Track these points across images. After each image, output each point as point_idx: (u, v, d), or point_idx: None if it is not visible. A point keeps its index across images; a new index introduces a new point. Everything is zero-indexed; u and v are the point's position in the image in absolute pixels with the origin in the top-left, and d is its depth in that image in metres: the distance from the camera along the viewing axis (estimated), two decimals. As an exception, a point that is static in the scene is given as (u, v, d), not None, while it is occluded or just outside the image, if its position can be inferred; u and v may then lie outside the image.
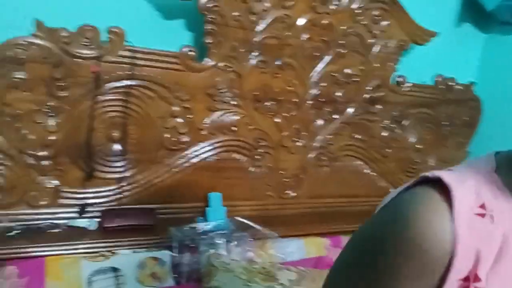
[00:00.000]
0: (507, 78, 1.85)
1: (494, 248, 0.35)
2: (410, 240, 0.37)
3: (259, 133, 1.48)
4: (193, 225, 1.33)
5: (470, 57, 1.94)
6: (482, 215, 0.36)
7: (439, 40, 1.66)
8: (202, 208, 1.42)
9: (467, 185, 0.38)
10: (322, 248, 1.55)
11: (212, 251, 1.21)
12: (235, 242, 1.32)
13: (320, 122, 1.57)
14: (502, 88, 1.85)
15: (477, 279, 0.34)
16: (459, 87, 1.81)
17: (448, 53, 1.83)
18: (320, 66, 1.50)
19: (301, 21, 1.41)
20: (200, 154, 1.41)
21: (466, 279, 0.35)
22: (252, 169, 1.50)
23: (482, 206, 0.37)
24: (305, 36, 1.43)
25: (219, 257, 1.16)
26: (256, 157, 1.49)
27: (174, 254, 1.27)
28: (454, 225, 0.36)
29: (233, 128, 1.43)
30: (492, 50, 1.92)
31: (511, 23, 1.80)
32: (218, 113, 1.40)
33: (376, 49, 1.57)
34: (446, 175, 0.39)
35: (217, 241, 1.29)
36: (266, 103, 1.45)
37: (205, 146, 1.41)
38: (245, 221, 1.38)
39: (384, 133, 1.72)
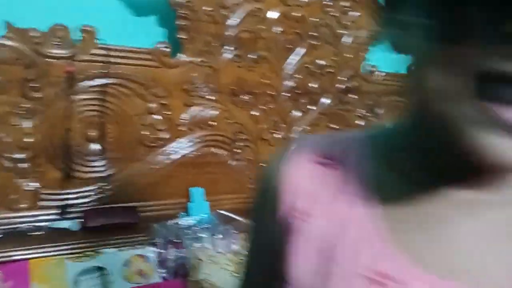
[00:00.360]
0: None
1: (327, 191, 0.39)
2: (260, 180, 0.47)
3: (238, 127, 1.49)
4: (177, 220, 1.33)
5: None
6: (323, 164, 0.41)
7: (407, 29, 1.71)
8: (185, 203, 1.42)
9: (316, 141, 0.45)
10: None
11: (197, 245, 1.22)
12: (220, 235, 1.33)
13: (297, 113, 1.60)
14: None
15: (302, 212, 0.39)
16: (429, 74, 1.87)
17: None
18: (294, 58, 1.53)
19: (273, 14, 1.44)
20: (180, 150, 1.42)
21: (291, 209, 0.40)
22: (232, 162, 1.51)
23: (326, 158, 0.41)
24: (278, 29, 1.46)
25: (205, 250, 1.17)
26: (235, 150, 1.51)
27: (159, 251, 1.27)
28: (284, 167, 0.42)
29: (211, 123, 1.44)
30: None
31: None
32: (196, 108, 1.41)
33: (347, 40, 1.61)
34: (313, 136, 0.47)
35: (201, 235, 1.30)
36: (243, 97, 1.47)
37: (184, 142, 1.42)
38: (229, 214, 1.39)
39: (360, 122, 1.76)
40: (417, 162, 0.36)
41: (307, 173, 0.41)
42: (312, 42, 1.54)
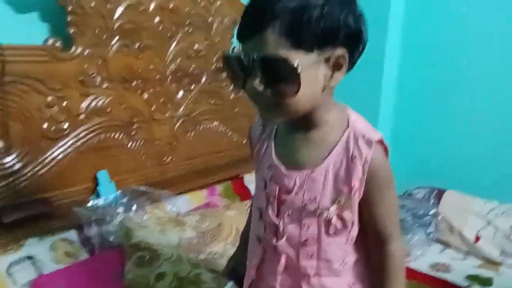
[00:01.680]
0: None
1: (257, 142, 0.82)
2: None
3: (132, 111, 1.64)
4: (92, 202, 1.45)
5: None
6: (262, 125, 0.82)
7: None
8: (93, 187, 1.54)
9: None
10: (202, 198, 1.83)
11: (119, 218, 1.37)
12: (135, 207, 1.49)
13: (181, 93, 1.81)
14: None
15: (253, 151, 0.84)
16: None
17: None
18: (173, 45, 1.72)
19: (151, 6, 1.61)
20: (81, 138, 1.50)
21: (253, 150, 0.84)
22: (130, 144, 1.66)
23: (261, 124, 0.82)
24: (157, 19, 1.63)
25: (130, 219, 1.33)
26: (132, 133, 1.66)
27: (81, 231, 1.38)
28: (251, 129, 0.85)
29: (108, 110, 1.56)
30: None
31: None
32: (92, 98, 1.51)
33: (215, 26, 1.87)
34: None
35: (118, 210, 1.45)
36: (133, 83, 1.62)
37: (84, 130, 1.51)
38: (139, 188, 1.55)
39: (232, 96, 2.05)
40: (289, 123, 0.75)
41: (256, 130, 0.82)
42: (187, 29, 1.75)
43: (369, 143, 0.69)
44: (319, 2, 0.61)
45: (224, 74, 1.96)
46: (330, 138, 0.72)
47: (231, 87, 2.01)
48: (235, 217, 1.43)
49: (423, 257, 1.64)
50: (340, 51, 0.64)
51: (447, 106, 2.19)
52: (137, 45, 1.59)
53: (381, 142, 0.71)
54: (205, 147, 1.98)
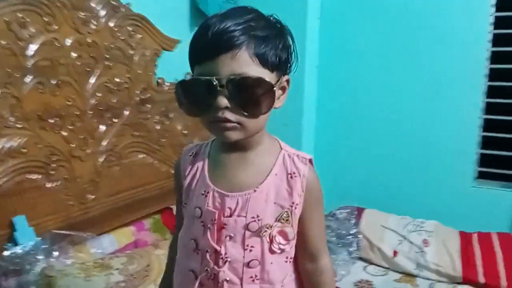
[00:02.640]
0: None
1: (189, 171, 0.83)
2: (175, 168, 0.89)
3: (50, 150, 1.56)
4: (9, 251, 1.35)
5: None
6: (191, 155, 0.84)
7: (184, 44, 2.06)
8: (10, 234, 1.43)
9: (191, 147, 0.86)
10: (130, 235, 1.78)
11: (42, 265, 1.30)
12: (57, 253, 1.42)
13: (103, 128, 1.76)
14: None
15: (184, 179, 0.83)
16: (204, 79, 2.29)
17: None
18: (93, 79, 1.68)
19: (68, 42, 1.56)
20: (-6, 182, 1.41)
21: (184, 178, 0.83)
22: (49, 184, 1.58)
23: (192, 153, 0.84)
24: (74, 55, 1.59)
25: (52, 267, 1.26)
26: (51, 172, 1.58)
27: (-3, 283, 1.29)
28: (179, 159, 0.86)
29: (23, 150, 1.48)
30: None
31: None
32: (4, 139, 1.42)
33: (136, 58, 1.86)
34: (186, 147, 0.88)
35: (38, 257, 1.36)
36: (50, 120, 1.55)
37: (-2, 174, 1.42)
38: (60, 231, 1.47)
39: (157, 127, 2.04)
40: (226, 147, 0.78)
41: (186, 161, 0.83)
42: (107, 63, 1.72)
43: (304, 161, 0.78)
44: (278, 35, 0.73)
45: (149, 106, 1.95)
46: (266, 159, 0.78)
47: (158, 118, 2.00)
48: (164, 256, 1.41)
49: (348, 275, 1.73)
50: (287, 76, 0.76)
51: (363, 129, 2.36)
52: (54, 81, 1.54)
53: (311, 161, 0.79)
54: (132, 181, 1.93)
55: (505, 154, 2.12)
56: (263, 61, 0.69)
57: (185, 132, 2.21)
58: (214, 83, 0.68)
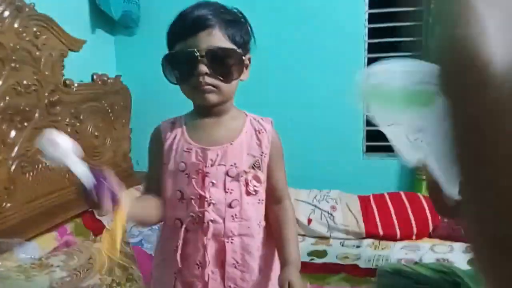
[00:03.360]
0: (137, 67, 2.48)
1: (169, 135, 0.96)
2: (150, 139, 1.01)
3: (-42, 158, 1.47)
4: None
5: (109, 55, 2.44)
6: (171, 122, 0.98)
7: (87, 45, 2.05)
8: None
9: (170, 118, 1.00)
10: (53, 241, 1.73)
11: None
12: (-17, 262, 1.35)
13: (14, 133, 1.69)
14: (138, 75, 2.47)
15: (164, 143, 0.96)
16: (111, 80, 2.29)
17: (96, 54, 2.25)
18: (0, 82, 1.61)
19: (-29, 43, 1.48)
20: None
21: (164, 142, 0.96)
22: (-39, 195, 1.48)
23: (171, 122, 0.98)
24: (-21, 57, 1.51)
25: (-14, 273, 1.21)
26: (-38, 182, 1.48)
27: None
28: (160, 127, 0.99)
29: None
30: (122, 48, 2.50)
31: (131, 26, 2.40)
32: None
33: (43, 59, 1.81)
34: (164, 121, 1.00)
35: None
36: (-43, 127, 1.46)
37: None
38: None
39: (69, 129, 1.99)
40: (204, 112, 0.94)
41: (166, 127, 0.96)
42: (13, 65, 1.66)
43: (267, 121, 0.98)
44: (241, 21, 0.93)
45: (58, 108, 1.90)
46: (236, 122, 0.96)
47: (68, 120, 1.96)
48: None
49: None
50: (249, 55, 0.94)
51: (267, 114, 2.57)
52: (-42, 85, 1.45)
53: (272, 122, 0.99)
54: (47, 186, 1.87)
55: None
56: (233, 39, 0.88)
57: (97, 133, 2.19)
58: (196, 54, 0.84)
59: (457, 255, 1.81)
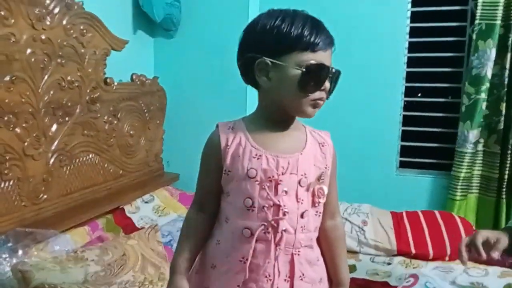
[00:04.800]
0: (174, 70, 2.51)
1: (232, 141, 0.91)
2: (206, 143, 0.95)
3: (3, 148, 1.51)
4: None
5: (148, 57, 2.48)
6: (229, 128, 0.93)
7: (128, 45, 2.09)
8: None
9: (226, 122, 0.94)
10: (85, 235, 1.76)
11: (8, 263, 1.25)
12: (21, 251, 1.38)
13: (55, 126, 1.73)
14: (174, 77, 2.50)
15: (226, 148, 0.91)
16: (148, 81, 2.32)
17: (135, 55, 2.29)
18: (46, 76, 1.65)
19: (23, 37, 1.53)
20: None
21: (225, 148, 0.91)
22: (2, 184, 1.52)
23: (229, 127, 0.93)
24: (29, 51, 1.56)
25: (25, 263, 1.23)
26: (4, 171, 1.52)
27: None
28: (218, 132, 0.92)
29: (-24, 148, 1.41)
30: (161, 50, 2.53)
31: (172, 29, 2.44)
32: (-43, 136, 1.36)
33: (87, 57, 1.85)
34: (220, 122, 0.95)
35: (4, 256, 1.32)
36: (4, 117, 1.50)
37: (-52, 173, 1.34)
38: (23, 229, 1.43)
39: (106, 126, 2.03)
40: (265, 119, 0.92)
41: (227, 132, 0.91)
42: (59, 60, 1.70)
43: (327, 135, 0.98)
44: None
45: (98, 105, 1.94)
46: (299, 133, 0.94)
47: (107, 118, 1.99)
48: (138, 245, 1.44)
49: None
50: None
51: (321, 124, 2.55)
52: (8, 77, 1.49)
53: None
54: (82, 181, 1.90)
55: (422, 145, 2.47)
56: None
57: (132, 132, 2.22)
58: (330, 70, 0.86)
59: (492, 280, 1.74)
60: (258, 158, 0.87)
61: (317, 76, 0.85)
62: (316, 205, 0.91)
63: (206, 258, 0.94)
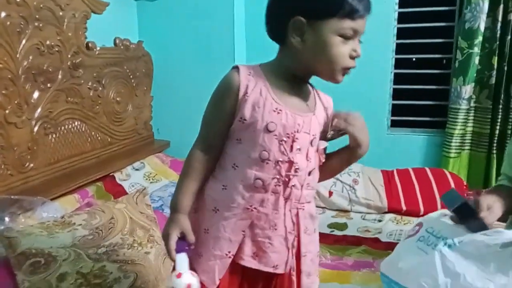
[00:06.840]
0: (160, 33, 2.44)
1: (252, 89, 0.89)
2: (221, 82, 0.92)
3: (-17, 115, 1.47)
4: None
5: (131, 20, 2.41)
6: (249, 74, 0.90)
7: (109, 9, 2.01)
8: None
9: (245, 66, 0.91)
10: (75, 203, 1.75)
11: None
12: (7, 219, 1.36)
13: (37, 93, 1.68)
14: (160, 41, 2.43)
15: (245, 96, 0.89)
16: (133, 45, 2.26)
17: (118, 19, 2.22)
18: (24, 41, 1.59)
19: (-5, -1, 1.46)
20: None
21: (244, 94, 0.89)
22: (-15, 152, 1.49)
23: (250, 73, 0.90)
24: (4, 14, 1.49)
25: (11, 229, 1.22)
26: (-14, 140, 1.49)
27: None
28: (239, 75, 0.89)
29: (-46, 116, 1.37)
30: (145, 13, 2.45)
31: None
32: None
33: (66, 20, 1.78)
34: (240, 65, 0.91)
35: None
36: (-19, 84, 1.45)
37: None
38: (9, 196, 1.41)
39: (91, 93, 1.98)
40: (285, 74, 0.91)
41: (247, 78, 0.89)
42: (37, 24, 1.64)
43: (330, 99, 1.00)
44: None
45: (81, 71, 1.89)
46: (311, 94, 0.96)
47: (91, 84, 1.94)
48: (126, 208, 1.42)
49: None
50: None
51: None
52: (-18, 42, 1.44)
53: None
54: (69, 149, 1.88)
55: (413, 103, 2.44)
56: None
57: (119, 99, 2.18)
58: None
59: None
60: (278, 113, 0.87)
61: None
62: (321, 164, 0.94)
63: (207, 200, 0.94)
